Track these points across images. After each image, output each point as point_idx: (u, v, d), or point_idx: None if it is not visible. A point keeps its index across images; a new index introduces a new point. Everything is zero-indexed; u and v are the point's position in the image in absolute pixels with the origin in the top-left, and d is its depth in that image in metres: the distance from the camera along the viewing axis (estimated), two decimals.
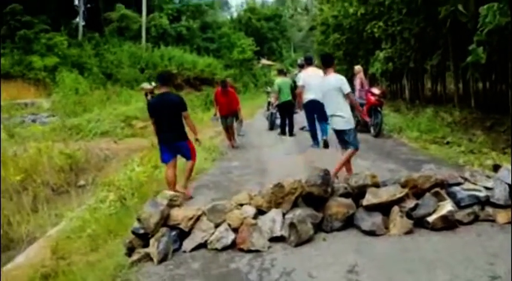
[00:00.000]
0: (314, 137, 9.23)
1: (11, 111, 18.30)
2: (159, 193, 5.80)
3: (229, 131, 10.45)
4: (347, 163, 6.18)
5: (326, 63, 6.41)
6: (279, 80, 11.49)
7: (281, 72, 12.84)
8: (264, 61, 42.47)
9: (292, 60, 48.75)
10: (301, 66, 10.52)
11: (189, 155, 6.23)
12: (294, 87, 11.97)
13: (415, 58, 14.51)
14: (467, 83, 14.92)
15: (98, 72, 25.02)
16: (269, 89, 16.38)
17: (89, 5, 34.78)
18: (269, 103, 13.37)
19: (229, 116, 10.19)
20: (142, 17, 31.02)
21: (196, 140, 6.51)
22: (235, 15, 53.73)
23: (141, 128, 16.27)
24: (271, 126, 12.87)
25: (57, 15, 27.82)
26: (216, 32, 38.03)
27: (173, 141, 6.05)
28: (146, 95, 14.81)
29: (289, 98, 11.07)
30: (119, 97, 22.26)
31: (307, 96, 8.97)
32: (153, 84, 13.43)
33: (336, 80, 6.10)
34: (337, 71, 16.54)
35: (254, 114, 19.27)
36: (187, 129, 6.28)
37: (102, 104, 20.11)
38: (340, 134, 6.20)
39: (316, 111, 8.91)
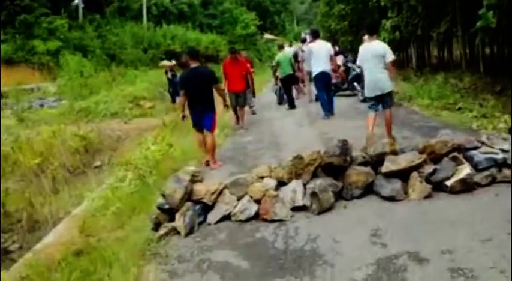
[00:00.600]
0: (325, 108, 9.41)
1: (18, 96, 18.37)
2: (176, 170, 5.97)
3: (237, 113, 9.54)
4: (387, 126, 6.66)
5: (371, 32, 6.79)
6: (279, 55, 12.44)
7: (281, 48, 13.97)
8: (267, 35, 42.09)
9: (295, 33, 48.30)
10: (304, 41, 10.93)
11: (211, 126, 6.65)
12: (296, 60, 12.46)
13: (422, 26, 14.32)
14: (474, 48, 14.78)
15: (101, 54, 24.94)
16: (273, 63, 16.44)
17: None
18: (276, 77, 13.35)
19: (241, 94, 9.23)
20: None
21: (226, 105, 7.64)
22: None
23: (150, 108, 16.33)
24: (280, 101, 12.90)
25: None
26: (217, 7, 37.59)
27: (203, 111, 6.53)
28: (166, 72, 14.80)
29: (290, 71, 11.72)
30: (124, 78, 22.24)
31: (317, 69, 9.33)
32: (173, 62, 13.52)
33: (383, 47, 6.58)
34: (342, 42, 16.54)
35: (262, 88, 19.25)
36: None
37: (108, 85, 20.08)
38: (386, 96, 6.57)
39: (324, 81, 9.36)
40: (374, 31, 6.92)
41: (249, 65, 11.14)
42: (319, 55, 9.44)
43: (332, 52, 9.87)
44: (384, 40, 15.12)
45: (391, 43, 16.19)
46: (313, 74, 9.58)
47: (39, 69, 23.58)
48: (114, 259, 3.75)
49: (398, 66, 19.91)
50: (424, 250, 3.19)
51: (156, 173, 6.45)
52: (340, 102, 10.92)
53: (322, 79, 9.38)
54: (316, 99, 10.76)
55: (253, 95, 11.78)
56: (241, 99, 9.41)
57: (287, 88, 11.92)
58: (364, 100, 10.98)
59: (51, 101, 18.79)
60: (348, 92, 12.57)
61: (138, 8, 30.83)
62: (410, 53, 19.98)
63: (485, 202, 3.94)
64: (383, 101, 6.62)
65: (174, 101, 15.20)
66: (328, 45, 10.03)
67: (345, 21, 21.63)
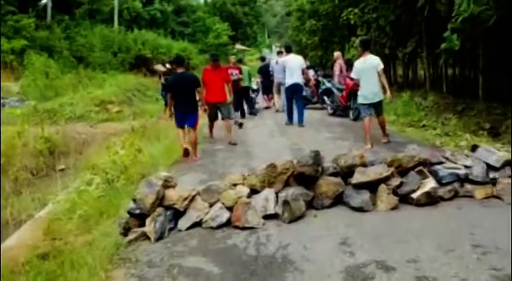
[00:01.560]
0: (290, 115, 10.34)
1: None
2: (144, 175, 5.95)
3: (213, 126, 9.07)
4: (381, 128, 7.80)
5: (365, 47, 7.81)
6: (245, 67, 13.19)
7: (263, 60, 15.26)
8: (239, 46, 42.32)
9: (266, 45, 48.79)
10: (280, 53, 11.53)
11: (194, 123, 7.47)
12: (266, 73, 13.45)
13: (389, 45, 14.81)
14: (438, 69, 15.38)
15: (68, 55, 24.35)
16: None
17: None
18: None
19: (223, 103, 8.52)
20: (114, 0, 30.31)
21: (205, 110, 8.11)
22: None
23: (117, 112, 16.12)
24: (251, 111, 13.02)
25: None
26: (190, 16, 37.52)
27: (187, 111, 7.34)
28: (160, 76, 14.66)
29: (247, 84, 12.61)
30: (92, 81, 21.82)
31: (289, 81, 9.97)
32: (167, 66, 13.61)
33: (376, 59, 7.63)
34: (311, 57, 17.03)
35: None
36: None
37: (74, 88, 19.65)
38: (378, 104, 7.60)
39: (296, 93, 10.08)
40: (368, 46, 7.89)
41: (237, 71, 11.64)
42: (293, 68, 10.02)
43: (304, 66, 10.52)
44: (352, 57, 15.61)
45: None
46: (286, 85, 10.20)
47: (2, 68, 22.79)
48: (82, 263, 3.71)
49: None
50: (391, 259, 3.30)
51: (124, 178, 6.41)
52: (310, 115, 11.13)
53: (293, 90, 10.01)
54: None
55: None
56: (225, 111, 8.61)
57: (240, 99, 11.92)
58: (333, 113, 11.50)
59: (13, 101, 18.18)
60: (317, 105, 12.83)
61: (109, 11, 30.36)
62: None
63: (448, 214, 4.13)
64: (376, 107, 7.62)
65: (166, 103, 15.20)
66: (301, 59, 10.67)
67: (316, 36, 22.10)
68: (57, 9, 29.17)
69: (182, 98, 7.31)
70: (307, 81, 11.41)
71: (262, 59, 15.41)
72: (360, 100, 7.79)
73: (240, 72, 11.73)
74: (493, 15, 7.56)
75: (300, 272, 3.25)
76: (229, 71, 10.03)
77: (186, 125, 7.45)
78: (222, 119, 8.76)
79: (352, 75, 8.13)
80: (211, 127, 9.12)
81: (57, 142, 10.50)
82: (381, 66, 7.58)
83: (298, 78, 10.00)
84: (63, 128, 11.93)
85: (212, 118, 8.80)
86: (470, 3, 7.54)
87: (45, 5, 28.91)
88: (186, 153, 7.36)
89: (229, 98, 8.81)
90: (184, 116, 7.36)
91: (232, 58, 13.36)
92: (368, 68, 7.51)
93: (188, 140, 7.48)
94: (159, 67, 15.26)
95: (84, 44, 25.11)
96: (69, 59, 23.85)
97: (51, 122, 13.62)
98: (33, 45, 23.86)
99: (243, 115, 12.17)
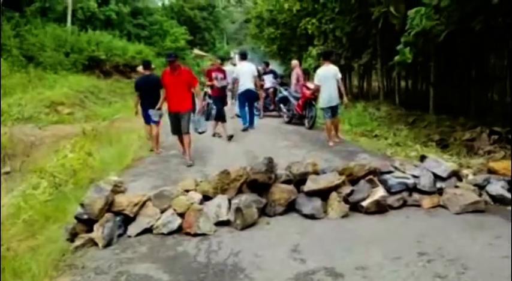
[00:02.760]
0: (245, 119, 10.57)
1: None
2: (94, 180, 5.78)
3: (181, 139, 7.51)
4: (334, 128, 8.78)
5: (326, 57, 8.81)
6: None
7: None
8: (197, 51, 41.99)
9: (224, 51, 48.73)
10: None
11: (157, 122, 7.91)
12: None
13: (345, 56, 15.19)
14: (391, 81, 15.91)
15: (18, 54, 23.36)
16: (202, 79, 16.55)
17: None
18: (205, 93, 13.37)
19: (183, 113, 7.24)
20: None
21: (159, 109, 7.77)
22: (166, 2, 52.55)
23: (68, 115, 15.60)
24: (207, 117, 12.91)
25: None
26: (147, 18, 36.89)
27: (153, 108, 7.66)
28: None
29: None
30: (42, 81, 21.05)
31: (242, 87, 10.31)
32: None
33: (335, 69, 8.56)
34: (270, 64, 16.94)
35: None
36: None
37: (23, 88, 18.91)
38: (335, 107, 8.53)
39: (249, 99, 10.60)
40: (329, 57, 8.89)
41: (222, 75, 9.92)
42: (246, 75, 10.36)
43: (256, 73, 10.85)
44: (309, 66, 15.91)
45: (315, 69, 17.04)
46: (240, 91, 10.41)
47: None
48: (25, 270, 3.54)
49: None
50: (340, 266, 3.35)
51: (73, 182, 6.21)
52: (266, 123, 11.21)
53: (247, 96, 10.44)
54: (238, 116, 11.25)
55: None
56: (185, 119, 7.25)
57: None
58: (289, 121, 11.64)
59: None
60: (274, 113, 12.94)
61: (62, 10, 29.38)
62: None
63: (396, 223, 4.25)
64: (333, 109, 8.47)
65: None
66: (253, 66, 10.96)
67: (274, 44, 22.34)
68: (6, 6, 27.98)
69: (148, 98, 7.92)
70: (259, 87, 11.56)
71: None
72: (321, 104, 8.61)
73: (225, 76, 10.08)
74: (444, 30, 7.91)
75: (250, 279, 3.24)
76: (214, 75, 9.64)
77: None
78: (180, 134, 7.43)
79: (315, 81, 8.74)
80: (180, 142, 7.59)
81: (3, 143, 9.99)
82: (339, 75, 8.59)
83: (251, 85, 10.39)
84: (10, 130, 11.40)
85: (174, 130, 7.45)
86: (422, 18, 7.85)
87: None
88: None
89: (197, 106, 7.86)
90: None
91: (217, 60, 11.43)
92: (329, 76, 8.38)
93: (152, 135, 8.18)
94: (140, 68, 15.07)
95: (34, 43, 24.17)
96: (19, 58, 22.87)
97: None
98: None
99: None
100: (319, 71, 8.61)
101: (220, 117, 9.63)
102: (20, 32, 25.15)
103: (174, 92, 7.24)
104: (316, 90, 8.92)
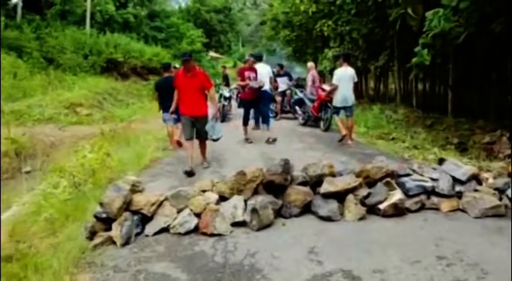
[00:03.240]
0: (257, 120, 10.56)
1: None
2: (113, 180, 5.85)
3: (199, 143, 7.18)
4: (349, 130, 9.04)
5: (346, 59, 9.17)
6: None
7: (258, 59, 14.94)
8: (212, 53, 42.33)
9: (240, 54, 48.93)
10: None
11: (176, 121, 8.25)
12: None
13: (362, 58, 15.11)
14: (408, 83, 15.76)
15: (38, 56, 23.78)
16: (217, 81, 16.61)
17: None
18: (221, 95, 13.45)
19: (200, 118, 6.87)
20: (87, 2, 29.84)
21: (172, 112, 7.58)
22: (183, 5, 52.97)
23: (87, 116, 15.81)
24: (223, 119, 13.00)
25: None
26: (164, 21, 37.27)
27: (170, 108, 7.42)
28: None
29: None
30: (61, 83, 21.40)
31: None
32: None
33: (353, 71, 8.98)
34: (285, 66, 17.10)
35: None
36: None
37: (43, 89, 19.23)
38: (351, 107, 8.95)
39: (265, 99, 10.18)
40: (348, 59, 9.26)
41: (254, 74, 9.48)
42: (263, 76, 10.12)
43: (271, 74, 10.91)
44: (325, 68, 15.88)
45: (331, 72, 16.99)
46: None
47: None
48: (46, 266, 3.59)
49: None
50: (357, 268, 3.33)
51: (92, 181, 6.28)
52: (281, 125, 11.20)
53: (263, 96, 10.06)
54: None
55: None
56: (200, 124, 6.87)
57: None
58: (305, 123, 11.66)
59: None
60: (290, 115, 12.93)
61: (81, 13, 29.84)
62: None
63: (414, 226, 4.20)
64: (348, 110, 8.94)
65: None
66: (269, 68, 10.93)
67: (290, 46, 22.33)
68: (27, 9, 28.53)
69: (166, 99, 7.85)
70: (275, 88, 11.84)
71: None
72: (337, 103, 9.04)
73: (256, 76, 9.48)
74: (463, 32, 7.81)
75: (267, 280, 3.24)
76: (247, 74, 9.19)
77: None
78: (196, 137, 7.09)
79: (333, 81, 9.12)
80: (182, 145, 7.65)
81: (24, 143, 10.19)
82: (356, 78, 9.16)
83: (267, 85, 10.19)
84: (31, 130, 11.62)
85: (187, 134, 6.93)
86: (441, 20, 7.77)
87: (16, 5, 28.25)
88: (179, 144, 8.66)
89: (210, 111, 7.20)
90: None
91: (250, 58, 10.18)
92: (346, 77, 8.82)
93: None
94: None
95: (54, 46, 24.60)
96: (39, 60, 23.31)
97: (18, 123, 13.23)
98: (1, 44, 23.19)
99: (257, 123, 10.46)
100: (337, 72, 9.04)
101: (246, 121, 9.44)
102: (40, 35, 25.63)
103: (187, 95, 6.77)
104: (333, 91, 9.18)
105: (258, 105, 9.43)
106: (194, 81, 6.74)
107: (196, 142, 7.16)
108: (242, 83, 9.27)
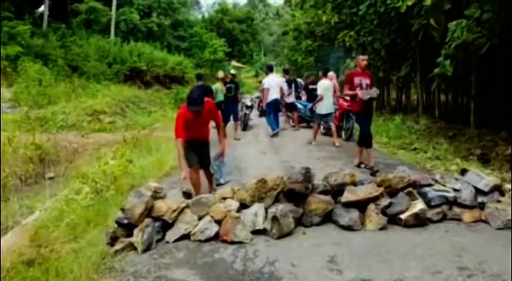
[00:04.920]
0: (273, 125, 11.83)
1: None
2: (134, 187, 5.92)
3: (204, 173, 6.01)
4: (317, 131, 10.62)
5: (325, 73, 10.71)
6: (216, 85, 12.83)
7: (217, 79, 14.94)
8: (235, 63, 42.66)
9: (262, 63, 49.21)
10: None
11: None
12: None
13: (384, 68, 15.03)
14: (431, 94, 15.59)
15: (63, 64, 24.35)
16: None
17: None
18: (242, 104, 13.52)
19: (206, 140, 5.90)
20: (112, 11, 30.50)
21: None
22: (206, 15, 53.63)
23: (110, 123, 16.06)
24: (244, 127, 13.07)
25: (21, 3, 26.92)
26: (187, 30, 37.84)
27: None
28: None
29: (221, 99, 12.31)
30: (85, 91, 21.81)
31: (271, 97, 11.58)
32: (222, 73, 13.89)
33: (330, 83, 10.40)
34: (307, 76, 17.40)
35: None
36: None
37: (67, 96, 19.63)
38: (331, 114, 10.36)
39: (276, 108, 11.83)
40: (327, 73, 10.74)
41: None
42: (274, 86, 11.64)
43: (282, 84, 12.05)
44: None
45: None
46: (268, 101, 11.66)
47: None
48: (67, 271, 3.65)
49: None
50: (378, 278, 3.31)
51: (113, 188, 6.37)
52: (302, 134, 11.21)
53: (273, 105, 11.68)
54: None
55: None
56: (206, 151, 5.92)
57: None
58: (326, 133, 11.68)
59: (5, 108, 18.08)
60: (311, 124, 12.93)
61: (105, 22, 30.53)
62: None
63: (436, 237, 4.14)
64: (329, 117, 10.34)
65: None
66: (279, 78, 12.45)
67: (311, 56, 22.37)
68: (53, 18, 29.28)
69: None
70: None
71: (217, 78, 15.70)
72: (322, 111, 10.22)
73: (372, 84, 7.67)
74: (486, 43, 7.73)
75: None
76: (357, 80, 7.33)
77: None
78: (200, 166, 5.87)
79: (318, 92, 10.31)
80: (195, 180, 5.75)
81: (48, 149, 10.40)
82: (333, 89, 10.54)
83: (277, 95, 11.66)
84: (55, 136, 11.85)
85: (192, 159, 5.66)
86: (463, 31, 7.70)
87: (42, 13, 29.03)
88: None
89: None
90: None
91: (360, 56, 7.94)
92: (328, 89, 10.19)
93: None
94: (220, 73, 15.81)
95: (79, 54, 25.14)
96: (64, 67, 23.84)
97: (42, 129, 13.51)
98: (27, 52, 23.84)
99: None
100: (320, 84, 10.39)
101: (366, 142, 7.50)
102: (65, 43, 26.22)
103: (191, 128, 5.45)
104: (320, 100, 10.22)
105: (369, 119, 7.71)
106: (202, 119, 5.50)
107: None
108: (349, 93, 7.49)
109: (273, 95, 11.58)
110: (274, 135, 11.60)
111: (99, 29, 30.09)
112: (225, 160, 6.60)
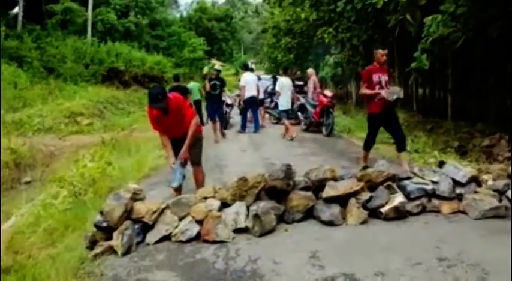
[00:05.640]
0: (242, 123, 12.42)
1: None
2: (113, 189, 5.83)
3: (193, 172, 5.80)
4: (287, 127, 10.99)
5: (285, 72, 12.15)
6: (190, 84, 13.91)
7: (191, 79, 16.23)
8: (214, 61, 42.47)
9: (242, 62, 49.14)
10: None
11: None
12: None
13: (362, 64, 15.14)
14: (408, 88, 15.77)
15: (38, 66, 23.87)
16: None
17: None
18: (222, 102, 13.45)
19: (182, 139, 5.38)
20: (88, 11, 30.03)
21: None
22: (184, 14, 53.33)
23: (87, 125, 15.83)
24: (225, 125, 13.03)
25: None
26: (166, 29, 37.54)
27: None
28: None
29: (198, 97, 13.57)
30: (62, 93, 21.44)
31: (247, 94, 11.80)
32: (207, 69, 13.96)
33: (289, 80, 11.32)
34: (288, 74, 17.61)
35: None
36: None
37: (44, 99, 19.28)
38: (289, 110, 11.23)
39: (253, 104, 12.07)
40: (286, 71, 12.01)
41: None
42: (250, 83, 11.96)
43: (257, 82, 12.59)
44: (326, 74, 15.92)
45: (332, 78, 17.07)
46: (245, 98, 11.93)
47: None
48: (45, 277, 3.57)
49: (339, 101, 20.99)
50: (359, 272, 3.31)
51: (92, 191, 6.28)
52: (283, 130, 11.19)
53: (250, 102, 11.93)
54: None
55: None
56: (194, 150, 5.57)
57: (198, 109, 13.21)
58: (307, 129, 11.74)
59: None
60: (292, 121, 12.98)
61: (82, 22, 30.01)
62: (350, 89, 20.93)
63: (416, 229, 4.19)
64: (288, 112, 11.17)
65: None
66: (255, 76, 12.82)
67: (291, 54, 22.42)
68: (28, 19, 28.64)
69: None
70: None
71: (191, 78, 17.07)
72: (282, 107, 11.01)
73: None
74: (461, 37, 7.83)
75: None
76: (376, 78, 6.53)
77: None
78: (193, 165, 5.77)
79: (276, 88, 11.15)
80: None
81: (24, 153, 10.21)
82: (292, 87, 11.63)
83: (254, 92, 11.95)
84: (31, 140, 11.63)
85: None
86: (439, 25, 7.80)
87: (16, 14, 28.41)
88: None
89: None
90: None
91: (379, 50, 6.77)
92: (286, 86, 11.00)
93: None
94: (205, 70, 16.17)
95: (55, 55, 24.65)
96: (39, 69, 23.37)
97: (18, 133, 13.24)
98: (2, 54, 23.28)
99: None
100: (280, 81, 11.23)
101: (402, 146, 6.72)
102: (40, 44, 25.70)
103: (169, 127, 5.35)
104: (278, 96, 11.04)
105: (394, 122, 6.80)
106: (173, 116, 5.23)
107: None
108: (368, 92, 6.53)
109: (250, 92, 11.82)
110: (242, 132, 12.24)
111: (75, 29, 29.57)
112: (188, 167, 5.67)
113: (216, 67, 12.75)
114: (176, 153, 5.37)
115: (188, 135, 5.34)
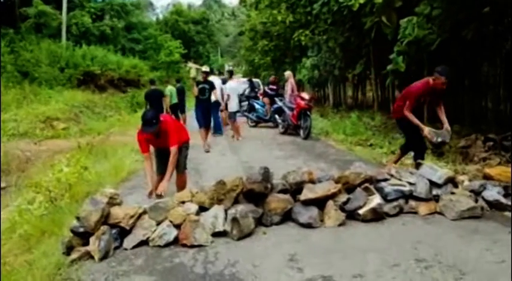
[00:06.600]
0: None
1: None
2: (90, 194, 5.74)
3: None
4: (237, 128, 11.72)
5: (231, 75, 12.61)
6: (168, 88, 14.71)
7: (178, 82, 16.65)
8: (191, 64, 42.33)
9: (219, 64, 49.13)
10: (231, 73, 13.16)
11: None
12: None
13: (339, 66, 15.29)
14: (385, 90, 15.99)
15: (12, 70, 23.39)
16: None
17: None
18: (213, 107, 13.40)
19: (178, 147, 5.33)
20: (62, 14, 29.56)
21: None
22: (160, 16, 53.01)
23: (63, 129, 15.55)
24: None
25: None
26: (141, 33, 37.22)
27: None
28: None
29: (175, 101, 14.25)
30: (37, 97, 21.05)
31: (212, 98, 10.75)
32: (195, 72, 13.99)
33: (237, 84, 12.46)
34: (264, 77, 18.01)
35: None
36: None
37: (18, 103, 18.90)
38: (237, 112, 11.86)
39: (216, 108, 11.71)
40: (232, 75, 12.59)
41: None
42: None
43: (220, 86, 12.37)
44: (303, 77, 16.01)
45: (310, 80, 17.16)
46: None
47: None
48: None
49: (316, 104, 21.16)
50: (338, 274, 3.33)
51: (68, 196, 6.16)
52: (262, 133, 11.24)
53: (216, 106, 11.58)
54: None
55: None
56: (179, 157, 5.46)
57: (175, 113, 13.90)
58: (285, 132, 11.77)
59: None
60: (270, 124, 13.02)
61: (56, 26, 29.50)
62: (327, 91, 21.10)
63: (393, 230, 4.24)
64: (236, 113, 11.71)
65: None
66: (219, 80, 13.00)
67: (268, 56, 22.50)
68: (1, 23, 28.03)
69: (153, 106, 10.96)
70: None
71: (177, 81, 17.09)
72: (233, 109, 11.54)
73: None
74: (436, 39, 7.98)
75: None
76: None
77: None
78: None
79: (227, 91, 11.61)
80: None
81: None
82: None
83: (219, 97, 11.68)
84: (5, 145, 11.36)
85: (160, 167, 5.62)
86: (414, 28, 7.94)
87: None
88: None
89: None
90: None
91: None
92: (235, 88, 11.81)
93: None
94: (192, 73, 16.29)
95: (29, 59, 24.18)
96: (14, 74, 22.89)
97: None
98: None
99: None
100: (229, 84, 11.86)
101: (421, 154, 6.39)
102: (14, 48, 25.17)
103: (159, 143, 5.39)
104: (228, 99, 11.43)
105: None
106: (164, 138, 5.26)
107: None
108: (415, 122, 6.15)
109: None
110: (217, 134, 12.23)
111: (49, 33, 29.05)
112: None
113: (204, 69, 10.92)
114: (160, 161, 5.55)
115: (169, 167, 5.22)
